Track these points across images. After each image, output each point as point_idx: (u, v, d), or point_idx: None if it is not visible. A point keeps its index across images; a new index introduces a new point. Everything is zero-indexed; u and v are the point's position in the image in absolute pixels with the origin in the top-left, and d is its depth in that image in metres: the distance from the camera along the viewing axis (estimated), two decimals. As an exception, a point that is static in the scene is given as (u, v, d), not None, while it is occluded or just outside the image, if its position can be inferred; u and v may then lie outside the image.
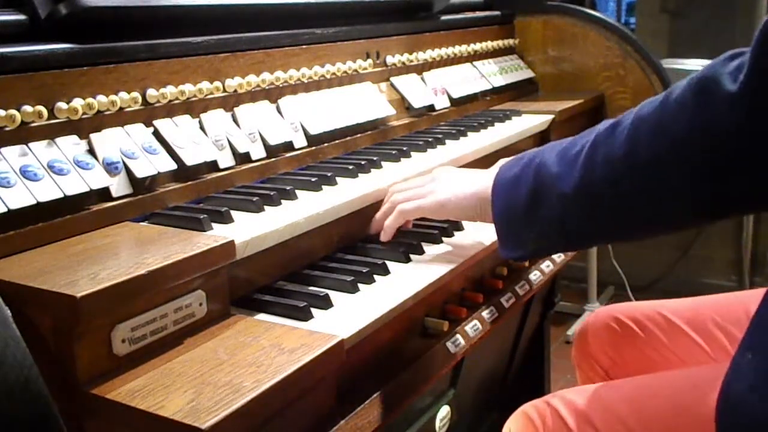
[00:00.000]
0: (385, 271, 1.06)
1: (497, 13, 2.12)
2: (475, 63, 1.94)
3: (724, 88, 0.79)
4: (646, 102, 0.90)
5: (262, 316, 0.93)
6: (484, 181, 1.08)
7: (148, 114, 1.09)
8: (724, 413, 0.82)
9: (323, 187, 1.18)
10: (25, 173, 0.90)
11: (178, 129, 1.11)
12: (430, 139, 1.48)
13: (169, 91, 1.12)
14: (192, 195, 1.10)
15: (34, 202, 0.89)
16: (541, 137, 1.79)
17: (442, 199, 1.11)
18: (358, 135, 1.46)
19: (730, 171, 0.82)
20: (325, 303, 0.95)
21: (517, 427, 1.17)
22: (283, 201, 1.10)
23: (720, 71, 0.81)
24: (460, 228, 1.24)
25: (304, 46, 1.40)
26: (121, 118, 1.06)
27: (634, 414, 1.03)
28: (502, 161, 1.12)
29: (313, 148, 1.34)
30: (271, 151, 1.25)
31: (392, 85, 1.63)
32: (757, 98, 0.77)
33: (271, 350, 0.79)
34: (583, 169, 0.92)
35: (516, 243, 1.03)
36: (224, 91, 1.22)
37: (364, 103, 1.49)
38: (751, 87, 0.77)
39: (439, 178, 1.15)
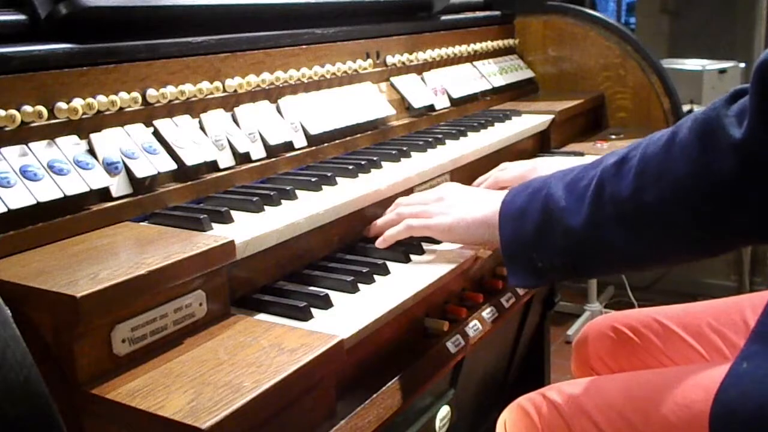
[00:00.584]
0: (385, 271, 1.06)
1: (497, 13, 2.12)
2: (475, 63, 1.94)
3: (728, 133, 0.80)
4: (652, 140, 0.91)
5: (262, 316, 0.93)
6: (491, 206, 1.08)
7: (148, 114, 1.09)
8: (716, 418, 0.83)
9: (323, 187, 1.17)
10: (25, 173, 0.90)
11: (178, 129, 1.11)
12: (430, 139, 1.48)
13: (169, 91, 1.12)
14: (192, 195, 1.10)
15: (34, 202, 0.89)
16: (541, 137, 1.79)
17: (450, 223, 1.11)
18: (358, 135, 1.46)
19: (733, 211, 0.84)
20: (325, 303, 0.95)
21: (513, 420, 1.17)
22: (283, 201, 1.10)
23: (723, 114, 0.82)
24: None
25: (304, 46, 1.40)
26: (121, 118, 1.06)
27: (634, 407, 1.03)
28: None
29: (313, 148, 1.34)
30: (271, 151, 1.25)
31: (392, 85, 1.63)
32: (762, 146, 0.78)
33: (271, 350, 0.79)
34: (591, 205, 0.93)
35: (525, 272, 1.04)
36: (224, 91, 1.22)
37: (364, 103, 1.49)
38: (755, 135, 0.78)
39: (447, 198, 1.15)
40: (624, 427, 1.03)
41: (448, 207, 1.13)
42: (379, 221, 1.19)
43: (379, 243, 1.15)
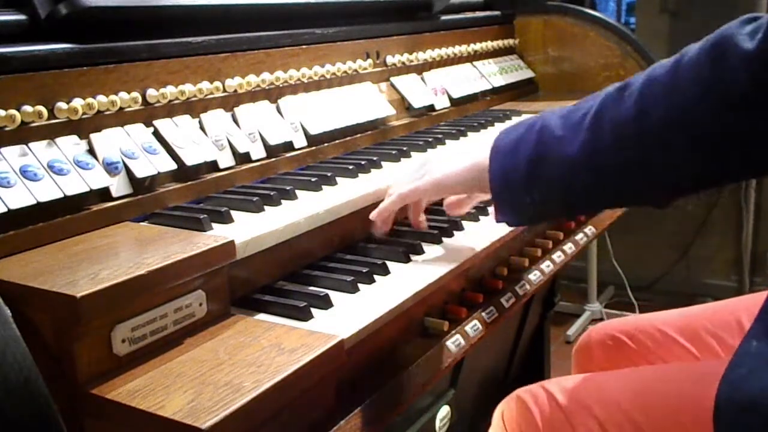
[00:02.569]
0: (385, 271, 1.06)
1: (497, 13, 2.12)
2: (475, 63, 1.94)
3: (740, 46, 0.77)
4: (657, 65, 0.87)
5: (262, 316, 0.93)
6: (480, 151, 1.04)
7: (148, 114, 1.09)
8: (723, 393, 0.82)
9: (323, 187, 1.17)
10: (25, 173, 0.90)
11: (178, 129, 1.11)
12: (430, 139, 1.48)
13: (169, 91, 1.12)
14: (192, 195, 1.10)
15: (34, 202, 0.89)
16: (541, 137, 1.78)
17: (439, 176, 1.08)
18: (358, 135, 1.46)
19: (742, 130, 0.80)
20: (325, 303, 0.95)
21: (511, 412, 1.16)
22: (283, 201, 1.10)
23: (736, 32, 0.79)
24: (460, 228, 1.24)
25: (304, 46, 1.40)
26: (121, 118, 1.06)
27: (636, 403, 1.02)
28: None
29: (313, 148, 1.34)
30: (271, 151, 1.25)
31: (392, 85, 1.63)
32: None
33: (271, 350, 0.79)
34: (590, 131, 0.89)
35: (513, 208, 1.00)
36: (224, 91, 1.22)
37: (364, 103, 1.49)
38: (766, 48, 0.75)
39: (432, 161, 1.12)
40: (625, 422, 1.02)
41: (434, 165, 1.10)
42: (376, 211, 1.16)
43: (373, 215, 1.13)
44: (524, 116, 1.78)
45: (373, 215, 1.14)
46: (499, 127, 1.67)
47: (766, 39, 0.75)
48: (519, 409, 1.14)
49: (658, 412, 1.01)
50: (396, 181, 1.18)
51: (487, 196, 1.09)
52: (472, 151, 1.07)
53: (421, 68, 1.74)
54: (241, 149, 1.19)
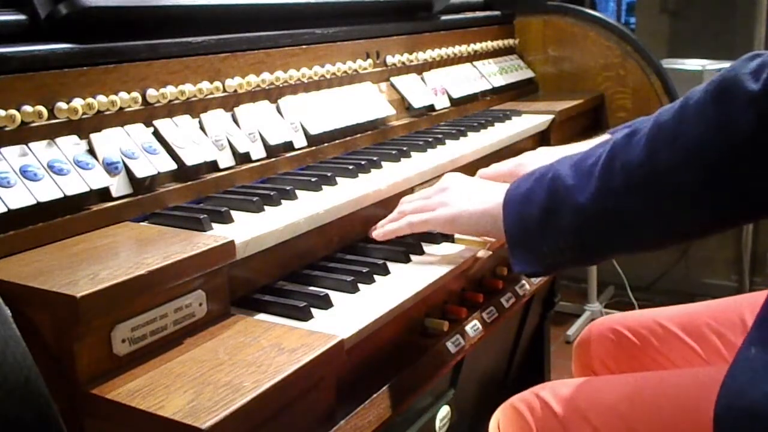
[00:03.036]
0: (385, 271, 1.06)
1: (497, 13, 2.12)
2: (475, 63, 1.94)
3: (745, 87, 0.77)
4: (663, 109, 0.88)
5: (262, 316, 0.93)
6: (495, 196, 1.05)
7: (148, 114, 1.09)
8: (722, 401, 0.82)
9: (323, 187, 1.17)
10: (25, 173, 0.90)
11: (178, 129, 1.11)
12: (430, 139, 1.48)
13: (169, 91, 1.12)
14: (192, 195, 1.10)
15: (34, 202, 0.89)
16: (541, 137, 1.79)
17: (453, 214, 1.08)
18: (358, 135, 1.46)
19: (750, 172, 0.80)
20: (325, 303, 0.95)
21: (506, 421, 1.15)
22: (283, 201, 1.10)
23: (740, 72, 0.79)
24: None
25: (304, 46, 1.40)
26: (121, 118, 1.06)
27: (635, 411, 1.02)
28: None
29: (313, 148, 1.34)
30: (271, 151, 1.25)
31: (392, 85, 1.63)
32: None
33: (271, 350, 0.79)
34: (601, 179, 0.90)
35: (529, 258, 1.00)
36: (224, 91, 1.22)
37: (364, 103, 1.49)
38: None
39: (449, 190, 1.12)
40: (619, 425, 1.02)
41: (450, 199, 1.11)
42: (383, 222, 1.17)
43: (377, 234, 1.13)
44: (524, 116, 1.79)
45: (376, 234, 1.14)
46: (499, 127, 1.67)
47: None
48: (514, 418, 1.14)
49: (656, 419, 1.00)
50: (409, 199, 1.18)
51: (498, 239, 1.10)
52: (487, 194, 1.08)
53: (421, 68, 1.74)
54: (241, 149, 1.19)
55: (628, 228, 0.91)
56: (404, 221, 1.12)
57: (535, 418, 1.10)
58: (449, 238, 1.20)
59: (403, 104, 1.63)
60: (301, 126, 1.32)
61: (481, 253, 1.15)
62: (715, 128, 0.80)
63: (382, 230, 1.14)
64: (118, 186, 1.00)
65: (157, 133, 1.09)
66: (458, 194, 1.11)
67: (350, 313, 0.94)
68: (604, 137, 1.34)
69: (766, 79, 0.76)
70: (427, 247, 1.16)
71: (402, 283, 1.03)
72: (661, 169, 0.85)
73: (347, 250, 1.15)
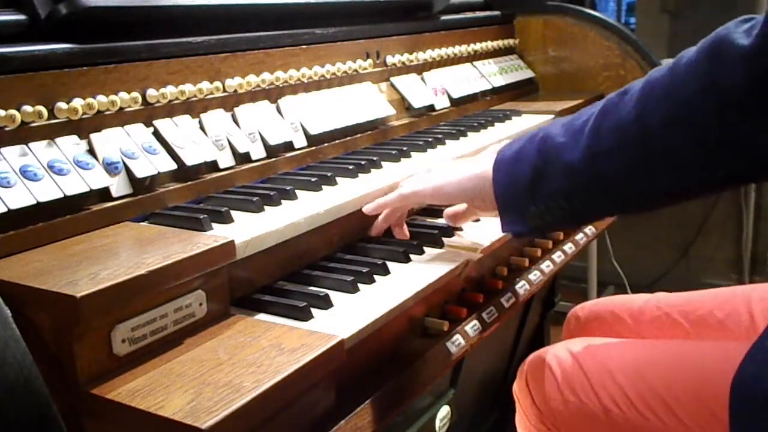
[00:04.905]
0: (385, 271, 1.06)
1: (497, 13, 2.12)
2: (475, 63, 1.94)
3: (737, 44, 0.77)
4: (654, 69, 0.88)
5: (262, 316, 0.93)
6: (484, 162, 1.04)
7: (148, 114, 1.09)
8: (737, 390, 0.82)
9: (323, 187, 1.17)
10: (25, 173, 0.90)
11: (178, 129, 1.11)
12: (430, 139, 1.48)
13: (169, 91, 1.12)
14: (192, 195, 1.10)
15: (34, 202, 0.89)
16: (541, 137, 1.78)
17: (441, 182, 1.08)
18: (358, 135, 1.46)
19: (742, 128, 0.80)
20: (325, 303, 0.95)
21: (532, 369, 1.17)
22: (283, 201, 1.10)
23: (732, 31, 0.79)
24: (460, 228, 1.24)
25: (304, 46, 1.40)
26: (121, 118, 1.06)
27: (658, 373, 1.02)
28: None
29: (313, 148, 1.34)
30: (271, 151, 1.25)
31: (392, 85, 1.62)
32: None
33: (271, 350, 0.79)
34: (591, 137, 0.89)
35: (519, 218, 0.99)
36: (224, 91, 1.22)
37: (364, 103, 1.49)
38: (765, 43, 0.75)
39: (438, 167, 1.14)
40: (646, 391, 1.02)
41: (439, 171, 1.11)
42: (379, 200, 1.16)
43: (367, 209, 1.13)
44: (524, 116, 1.79)
45: (367, 208, 1.14)
46: (499, 127, 1.67)
47: (761, 35, 0.75)
48: (542, 370, 1.14)
49: (679, 385, 1.00)
50: (403, 183, 1.18)
51: (484, 213, 1.10)
52: (477, 161, 1.08)
53: (421, 68, 1.74)
54: (241, 149, 1.19)
55: (619, 188, 0.90)
56: (395, 194, 1.13)
57: (562, 371, 1.11)
58: (450, 236, 1.20)
59: (403, 104, 1.63)
60: (301, 126, 1.32)
61: (472, 257, 1.14)
62: (708, 85, 0.80)
63: (372, 204, 1.13)
64: (118, 186, 1.00)
65: (157, 133, 1.09)
66: (447, 168, 1.12)
67: (350, 313, 0.94)
68: None
69: (758, 35, 0.76)
70: (427, 248, 1.16)
71: (402, 283, 1.03)
72: (653, 126, 0.84)
73: (347, 250, 1.15)
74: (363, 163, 1.28)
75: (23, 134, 0.94)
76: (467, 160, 1.15)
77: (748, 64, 0.76)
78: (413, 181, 1.15)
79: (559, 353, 1.15)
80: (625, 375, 1.05)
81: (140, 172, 1.02)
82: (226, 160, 1.17)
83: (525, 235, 1.10)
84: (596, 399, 1.06)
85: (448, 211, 1.20)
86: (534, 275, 1.37)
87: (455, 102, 1.78)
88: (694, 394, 0.98)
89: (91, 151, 1.00)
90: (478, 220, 1.26)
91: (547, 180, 0.94)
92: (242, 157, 1.20)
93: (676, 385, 1.00)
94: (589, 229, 1.59)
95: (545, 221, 0.98)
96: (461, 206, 1.17)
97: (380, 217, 1.17)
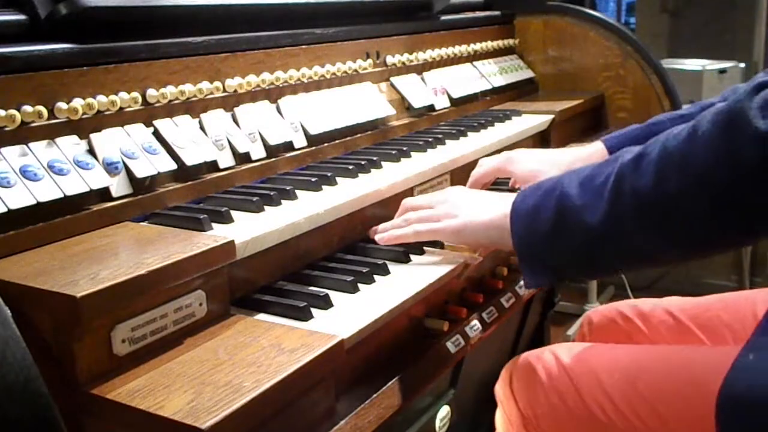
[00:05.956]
0: (385, 271, 1.06)
1: (497, 13, 2.12)
2: (475, 63, 1.94)
3: (752, 125, 0.80)
4: (671, 134, 0.90)
5: (262, 316, 0.93)
6: (500, 208, 1.05)
7: (148, 114, 1.09)
8: (724, 397, 0.82)
9: (323, 187, 1.17)
10: (25, 173, 0.90)
11: (178, 129, 1.11)
12: (430, 139, 1.48)
13: (169, 91, 1.12)
14: (192, 195, 1.10)
15: (34, 202, 0.89)
16: (541, 137, 1.79)
17: (459, 225, 1.08)
18: (358, 135, 1.46)
19: (754, 201, 0.83)
20: (325, 303, 0.95)
21: (518, 373, 1.17)
22: (283, 201, 1.10)
23: (747, 105, 0.81)
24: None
25: (304, 46, 1.40)
26: (121, 118, 1.06)
27: (645, 378, 1.02)
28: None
29: (313, 148, 1.34)
30: (271, 151, 1.25)
31: (392, 85, 1.63)
32: None
33: (271, 350, 0.79)
34: (610, 201, 0.92)
35: (540, 271, 1.02)
36: (224, 91, 1.22)
37: (364, 103, 1.49)
38: None
39: (454, 200, 1.13)
40: (633, 396, 1.02)
41: (456, 209, 1.10)
42: (387, 225, 1.16)
43: (380, 238, 1.13)
44: (524, 116, 1.79)
45: (380, 238, 1.13)
46: (499, 127, 1.68)
47: None
48: (527, 374, 1.15)
49: (667, 390, 1.00)
50: (411, 204, 1.16)
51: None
52: (492, 205, 1.08)
53: (421, 68, 1.74)
54: (241, 149, 1.19)
55: (635, 249, 0.93)
56: (410, 230, 1.11)
57: (547, 374, 1.11)
58: (439, 244, 1.19)
59: (403, 104, 1.63)
60: (301, 126, 1.32)
61: (471, 258, 1.14)
62: (723, 160, 0.83)
63: (386, 235, 1.13)
64: (118, 186, 1.00)
65: (157, 133, 1.09)
66: (463, 205, 1.11)
67: (350, 313, 0.94)
68: (596, 144, 1.36)
69: None
70: (427, 248, 1.16)
71: (402, 283, 1.03)
72: (671, 195, 0.87)
73: (347, 250, 1.15)
74: (363, 163, 1.28)
75: (23, 134, 0.94)
76: (482, 196, 1.14)
77: (763, 146, 0.79)
78: (425, 216, 1.12)
79: (544, 357, 1.14)
80: (612, 380, 1.05)
81: (140, 172, 1.02)
82: (226, 160, 1.17)
83: (548, 285, 1.12)
84: (582, 404, 1.06)
85: None
86: (534, 275, 1.36)
87: (455, 102, 1.78)
88: (682, 400, 0.99)
89: (91, 151, 1.00)
90: None
91: (566, 239, 0.96)
92: (242, 157, 1.20)
93: (665, 392, 1.01)
94: (589, 229, 1.58)
95: (564, 274, 1.01)
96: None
97: (384, 238, 1.15)
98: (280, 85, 1.32)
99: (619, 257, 0.96)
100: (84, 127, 1.00)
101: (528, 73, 2.15)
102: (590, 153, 1.34)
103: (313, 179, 1.17)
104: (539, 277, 1.02)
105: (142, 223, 1.00)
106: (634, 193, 0.90)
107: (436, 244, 1.17)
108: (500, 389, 1.23)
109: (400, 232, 1.12)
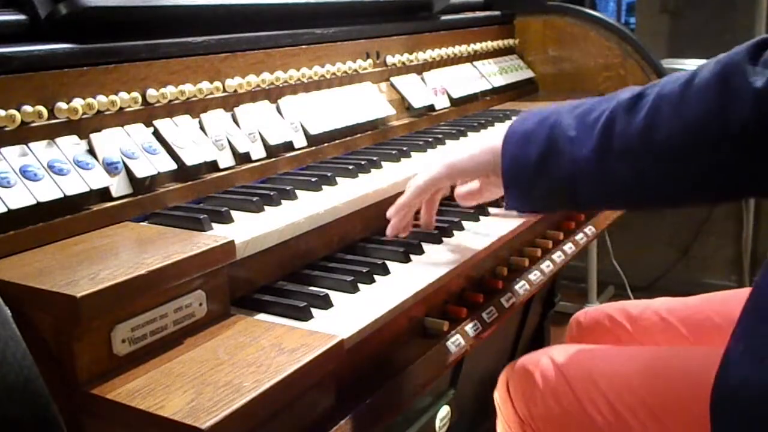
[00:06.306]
0: (385, 271, 1.06)
1: (497, 13, 2.12)
2: (475, 63, 1.94)
3: (749, 81, 0.79)
4: (669, 79, 0.90)
5: (262, 316, 0.93)
6: (495, 137, 1.06)
7: (148, 114, 1.09)
8: (717, 395, 0.82)
9: (323, 187, 1.17)
10: (25, 173, 0.90)
11: (178, 129, 1.11)
12: (430, 139, 1.48)
13: (169, 91, 1.12)
14: (192, 195, 1.10)
15: (34, 202, 0.89)
16: (541, 137, 1.78)
17: (451, 160, 1.08)
18: (358, 135, 1.46)
19: (741, 159, 0.83)
20: (325, 303, 0.95)
21: (515, 380, 1.17)
22: (283, 201, 1.10)
23: (746, 62, 0.81)
24: (460, 228, 1.24)
25: (304, 46, 1.40)
26: (121, 118, 1.06)
27: (642, 380, 1.03)
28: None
29: (313, 148, 1.34)
30: (271, 151, 1.25)
31: (392, 85, 1.63)
32: None
33: (271, 350, 0.79)
34: (600, 137, 0.92)
35: (523, 196, 1.02)
36: (224, 91, 1.22)
37: (364, 103, 1.49)
38: None
39: (446, 150, 1.14)
40: (630, 398, 1.02)
41: (446, 153, 1.11)
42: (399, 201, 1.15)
43: (390, 213, 1.13)
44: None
45: (390, 212, 1.13)
46: (499, 127, 1.67)
47: None
48: (524, 379, 1.15)
49: (667, 393, 1.00)
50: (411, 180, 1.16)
51: (498, 189, 1.10)
52: (487, 136, 1.09)
53: (421, 68, 1.74)
54: (241, 149, 1.19)
55: (619, 188, 0.94)
56: (410, 189, 1.11)
57: (543, 377, 1.11)
58: (450, 236, 1.20)
59: (403, 104, 1.63)
60: (301, 126, 1.32)
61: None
62: (714, 114, 0.82)
63: (393, 208, 1.13)
64: (118, 186, 1.00)
65: (157, 133, 1.09)
66: (455, 149, 1.12)
67: (350, 313, 0.94)
68: None
69: None
70: (427, 247, 1.16)
71: (402, 283, 1.03)
72: (658, 142, 0.87)
73: (347, 250, 1.15)
74: (363, 163, 1.28)
75: (23, 134, 0.94)
76: (475, 138, 1.16)
77: (758, 104, 0.79)
78: (422, 172, 1.13)
79: (541, 361, 1.14)
80: (609, 382, 1.05)
81: (140, 172, 1.02)
82: (226, 160, 1.17)
83: (527, 211, 1.13)
84: (580, 407, 1.06)
85: (459, 190, 1.19)
86: (534, 275, 1.36)
87: (455, 102, 1.78)
88: (678, 401, 0.99)
89: (91, 151, 1.00)
90: (483, 207, 1.26)
91: (554, 166, 0.96)
92: (242, 157, 1.20)
93: (661, 393, 1.01)
94: (589, 229, 1.59)
95: (547, 203, 1.01)
96: (473, 185, 1.16)
97: (396, 219, 1.14)
98: (280, 85, 1.32)
99: (600, 195, 0.97)
100: (84, 127, 1.00)
101: (528, 73, 2.15)
102: None
103: (313, 179, 1.17)
104: (521, 203, 1.03)
105: (142, 223, 1.00)
106: (622, 135, 0.90)
107: (438, 243, 1.17)
108: (498, 395, 1.23)
109: (403, 199, 1.12)
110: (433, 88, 1.72)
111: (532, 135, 0.99)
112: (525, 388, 1.15)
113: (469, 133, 1.59)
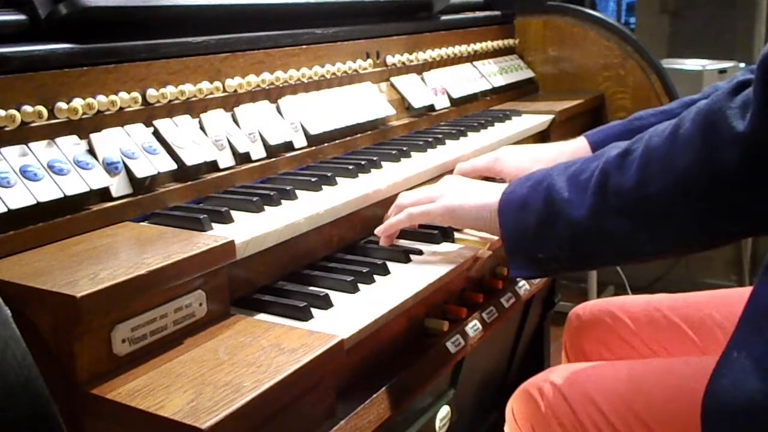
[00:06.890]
0: (385, 271, 1.06)
1: (497, 13, 2.12)
2: (475, 63, 1.94)
3: (731, 126, 0.80)
4: (655, 132, 0.91)
5: (262, 316, 0.93)
6: (492, 194, 1.07)
7: (148, 114, 1.09)
8: (709, 408, 0.83)
9: (323, 187, 1.17)
10: (25, 173, 0.90)
11: (178, 129, 1.11)
12: (430, 139, 1.48)
13: (169, 91, 1.12)
14: (192, 195, 1.10)
15: (34, 202, 0.89)
16: (541, 137, 1.79)
17: (452, 205, 1.10)
18: (358, 135, 1.46)
19: (733, 201, 0.84)
20: (325, 303, 0.95)
21: (519, 406, 1.19)
22: (283, 201, 1.10)
23: (726, 106, 0.82)
24: (460, 229, 1.24)
25: (304, 46, 1.40)
26: (121, 118, 1.06)
27: (639, 396, 1.03)
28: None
29: (313, 148, 1.34)
30: (271, 151, 1.25)
31: (392, 85, 1.63)
32: (765, 139, 0.78)
33: (271, 350, 0.79)
34: (594, 197, 0.93)
35: (527, 263, 1.03)
36: (224, 91, 1.22)
37: (364, 103, 1.49)
38: (758, 128, 0.78)
39: (447, 186, 1.15)
40: (628, 415, 1.03)
41: (449, 192, 1.12)
42: (385, 218, 1.17)
43: (379, 230, 1.14)
44: (524, 116, 1.79)
45: (378, 231, 1.15)
46: (499, 127, 1.67)
47: (754, 120, 0.78)
48: (527, 403, 1.16)
49: (661, 406, 1.01)
50: (404, 195, 1.17)
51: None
52: (485, 190, 1.10)
53: (421, 68, 1.74)
54: (241, 149, 1.19)
55: (617, 245, 0.95)
56: (404, 213, 1.13)
57: (546, 402, 1.13)
58: (449, 238, 1.20)
59: (403, 104, 1.63)
60: (301, 126, 1.32)
61: (482, 252, 1.15)
62: (702, 162, 0.84)
63: (383, 226, 1.15)
64: (118, 186, 1.00)
65: (157, 133, 1.09)
66: (457, 189, 1.13)
67: (350, 313, 0.94)
68: (580, 139, 1.36)
69: (751, 119, 0.79)
70: (427, 248, 1.16)
71: (402, 283, 1.03)
72: (651, 195, 0.89)
73: (347, 250, 1.15)
74: (363, 163, 1.28)
75: (23, 134, 0.94)
76: (476, 183, 1.16)
77: (741, 148, 0.80)
78: (420, 195, 1.14)
79: (541, 385, 1.16)
80: (606, 399, 1.06)
81: (140, 172, 1.02)
82: (226, 160, 1.17)
83: (532, 277, 1.16)
84: (581, 427, 1.08)
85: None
86: (534, 275, 1.36)
87: (455, 102, 1.78)
88: (672, 413, 1.00)
89: (91, 151, 1.00)
90: None
91: (553, 231, 0.97)
92: (242, 157, 1.20)
93: (655, 406, 1.02)
94: (589, 229, 1.59)
95: (551, 267, 1.02)
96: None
97: (385, 239, 1.16)
98: (280, 85, 1.32)
99: (602, 253, 0.97)
100: (84, 127, 1.00)
101: (528, 73, 2.15)
102: (574, 149, 1.35)
103: (313, 179, 1.17)
104: (525, 270, 1.03)
105: (142, 223, 1.00)
106: (617, 191, 0.91)
107: (448, 237, 1.18)
108: (507, 425, 1.25)
109: (395, 219, 1.13)
110: (433, 88, 1.72)
111: (528, 200, 1.00)
112: (529, 413, 1.16)
113: (469, 133, 1.59)
